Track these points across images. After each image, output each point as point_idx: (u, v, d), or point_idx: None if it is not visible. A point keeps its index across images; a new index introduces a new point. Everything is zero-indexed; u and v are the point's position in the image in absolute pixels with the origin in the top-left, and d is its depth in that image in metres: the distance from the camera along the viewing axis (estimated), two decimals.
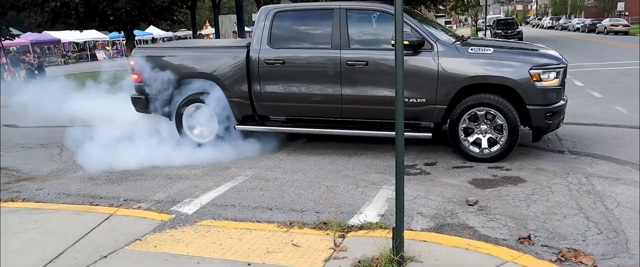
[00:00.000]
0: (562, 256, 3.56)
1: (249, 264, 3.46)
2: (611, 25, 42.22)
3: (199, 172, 6.02)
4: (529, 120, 5.93)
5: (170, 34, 52.37)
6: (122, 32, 20.16)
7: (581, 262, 3.47)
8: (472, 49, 5.97)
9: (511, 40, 8.98)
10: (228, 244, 3.82)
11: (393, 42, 5.71)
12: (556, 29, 61.69)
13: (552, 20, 69.89)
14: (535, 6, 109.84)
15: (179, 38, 44.47)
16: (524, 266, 3.32)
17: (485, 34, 33.77)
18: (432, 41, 5.95)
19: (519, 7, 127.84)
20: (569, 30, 54.80)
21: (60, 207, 4.96)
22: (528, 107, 5.82)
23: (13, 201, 5.25)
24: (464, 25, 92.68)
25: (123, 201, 5.12)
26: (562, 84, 6.04)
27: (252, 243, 3.83)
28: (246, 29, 24.23)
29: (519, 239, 3.88)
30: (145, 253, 3.74)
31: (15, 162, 6.99)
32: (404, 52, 5.85)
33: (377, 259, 3.37)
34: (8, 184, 6.02)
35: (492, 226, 4.15)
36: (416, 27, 6.00)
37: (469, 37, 7.37)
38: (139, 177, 5.96)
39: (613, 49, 25.04)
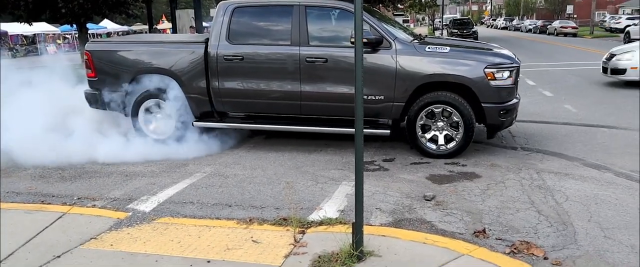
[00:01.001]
0: (515, 249, 3.68)
1: (209, 262, 3.43)
2: (561, 27, 43.78)
3: (156, 169, 5.92)
4: (484, 118, 6.08)
5: (125, 28, 51.16)
6: (74, 25, 19.55)
7: (533, 254, 3.59)
8: (429, 48, 6.08)
9: (467, 40, 9.18)
10: (187, 242, 3.78)
11: (352, 39, 5.79)
12: (509, 30, 63.45)
13: (506, 21, 71.87)
14: (490, 7, 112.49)
15: (135, 32, 43.47)
16: (479, 259, 3.41)
17: (441, 33, 34.41)
18: (390, 39, 6.03)
19: (475, 7, 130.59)
20: (522, 31, 56.47)
21: (10, 206, 4.77)
22: (483, 104, 5.96)
23: None
24: (421, 24, 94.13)
25: (77, 199, 4.98)
26: (515, 83, 6.22)
27: (212, 240, 3.79)
28: (204, 24, 23.90)
29: (475, 232, 3.98)
30: (101, 252, 3.66)
31: None
32: (363, 49, 5.93)
33: (337, 254, 3.40)
34: None
35: (448, 221, 4.25)
36: (375, 25, 6.06)
37: (426, 35, 7.49)
38: (93, 174, 5.81)
39: (563, 49, 25.96)
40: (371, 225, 4.09)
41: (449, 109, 6.02)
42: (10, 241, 3.85)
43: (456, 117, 6.02)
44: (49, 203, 4.84)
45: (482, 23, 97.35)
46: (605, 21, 49.76)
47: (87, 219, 4.33)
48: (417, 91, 6.05)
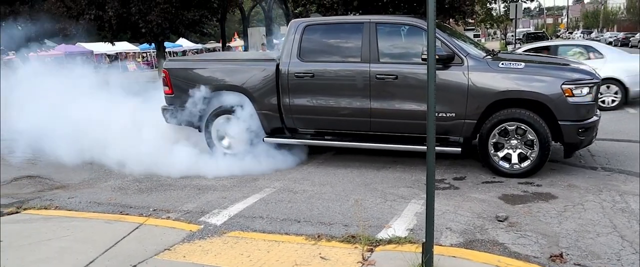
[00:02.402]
0: None
1: None
2: None
3: (228, 183, 6.07)
4: (561, 136, 5.82)
5: (199, 46, 53.14)
6: (152, 44, 20.56)
7: None
8: (502, 64, 5.92)
9: (543, 55, 8.86)
10: (256, 256, 3.84)
11: (424, 56, 5.76)
12: None
13: (584, 34, 68.76)
14: (566, 19, 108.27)
15: (208, 50, 45.05)
16: None
17: (514, 48, 33.39)
18: (462, 55, 5.92)
19: (549, 20, 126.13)
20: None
21: (92, 215, 5.05)
22: (560, 122, 5.72)
23: (46, 208, 5.37)
24: (493, 38, 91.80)
25: (152, 210, 5.19)
26: (595, 99, 5.93)
27: (280, 255, 3.83)
28: (275, 41, 24.46)
29: (551, 256, 3.81)
30: (174, 263, 3.78)
31: (48, 171, 7.14)
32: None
33: None
34: (41, 191, 6.16)
35: (522, 243, 4.08)
36: (446, 41, 5.98)
37: (499, 51, 7.29)
38: (168, 187, 6.03)
39: None
40: (441, 245, 4.00)
41: (523, 126, 5.81)
42: (92, 249, 4.06)
43: (531, 135, 5.80)
44: (127, 214, 5.07)
45: (557, 36, 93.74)
46: None
47: (161, 230, 4.50)
48: (490, 108, 5.88)
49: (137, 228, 4.54)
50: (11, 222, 4.84)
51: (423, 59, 5.71)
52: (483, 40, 74.95)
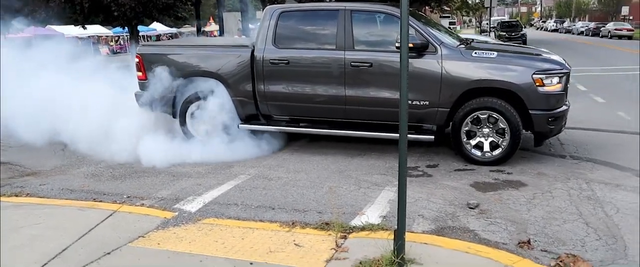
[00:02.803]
0: (561, 262, 3.59)
1: (251, 264, 3.50)
2: (615, 29, 42.32)
3: (202, 170, 6.06)
4: (532, 125, 5.94)
5: (174, 30, 52.37)
6: (126, 28, 20.21)
7: None
8: (475, 53, 5.99)
9: (514, 44, 8.98)
10: (231, 243, 3.86)
11: (398, 44, 5.77)
12: (560, 32, 61.63)
13: (557, 23, 69.76)
14: (539, 9, 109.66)
15: (182, 35, 44.47)
16: None
17: (489, 36, 33.77)
18: (436, 44, 5.98)
19: (524, 9, 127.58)
20: (573, 34, 54.75)
21: (64, 203, 5.00)
22: (530, 111, 5.83)
23: (17, 195, 5.29)
24: (468, 26, 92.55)
25: (126, 197, 5.16)
26: (565, 89, 6.06)
27: (255, 242, 3.86)
28: (250, 26, 24.26)
29: (519, 243, 3.91)
30: (149, 250, 3.78)
31: (19, 157, 7.02)
32: (409, 54, 5.89)
33: (378, 260, 3.40)
34: (12, 178, 6.06)
35: (492, 230, 4.18)
36: (420, 30, 6.02)
37: (472, 40, 7.38)
38: (142, 174, 6.00)
39: (617, 53, 25.04)
40: (413, 232, 4.07)
41: (495, 115, 5.92)
42: (65, 237, 4.03)
43: (502, 124, 5.91)
44: (101, 201, 5.03)
45: (531, 25, 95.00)
46: None
47: (135, 217, 4.49)
48: (463, 97, 5.97)
49: (110, 215, 4.51)
50: None
51: (397, 47, 5.72)
52: (459, 27, 75.58)
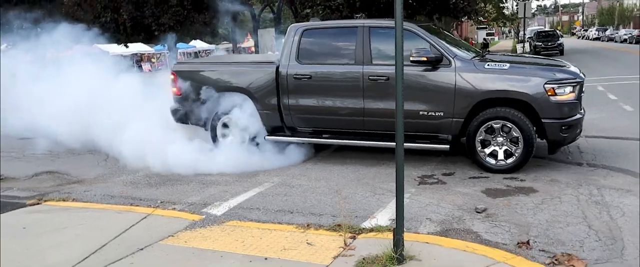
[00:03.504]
0: (556, 260, 3.82)
1: (266, 259, 3.87)
2: None
3: (230, 178, 6.49)
4: (545, 134, 6.14)
5: (212, 46, 53.79)
6: (165, 45, 21.13)
7: (573, 266, 3.73)
8: (488, 65, 6.25)
9: (529, 56, 9.10)
10: (249, 242, 4.24)
11: (412, 58, 6.12)
12: (602, 40, 60.27)
13: (599, 31, 68.21)
14: (581, 17, 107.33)
15: (210, 52, 45.68)
16: (515, 266, 3.60)
17: (523, 47, 33.47)
18: (450, 57, 6.26)
19: (565, 17, 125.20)
20: (616, 42, 53.46)
21: (105, 207, 5.51)
22: (543, 120, 6.03)
23: (64, 200, 5.83)
24: (507, 36, 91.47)
25: (160, 202, 5.62)
26: (578, 98, 6.22)
27: (271, 241, 4.24)
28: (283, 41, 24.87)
29: (518, 243, 4.15)
30: (176, 247, 4.21)
31: (66, 167, 7.63)
32: (424, 68, 6.25)
33: (380, 256, 3.72)
34: (60, 185, 6.63)
35: (495, 232, 4.43)
36: (434, 44, 6.32)
37: (487, 52, 7.62)
38: (176, 181, 6.47)
39: None
40: (419, 233, 4.37)
41: (508, 124, 6.13)
42: (104, 235, 4.50)
43: (516, 133, 6.12)
44: (137, 205, 5.52)
45: (573, 34, 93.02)
46: None
47: (167, 220, 4.94)
48: (477, 107, 6.22)
49: (145, 218, 4.98)
50: (33, 212, 5.34)
51: (411, 61, 6.08)
52: (496, 38, 74.78)
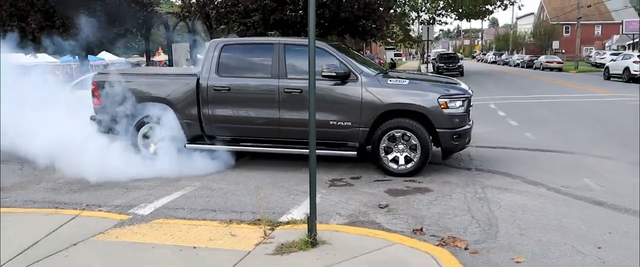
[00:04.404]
0: (443, 241, 4.57)
1: (195, 248, 4.31)
2: (546, 61, 45.31)
3: (153, 183, 6.79)
4: (438, 141, 7.00)
5: (122, 59, 52.36)
6: (76, 57, 20.62)
7: (457, 246, 4.48)
8: (390, 81, 7.05)
9: (427, 74, 10.16)
10: (178, 235, 4.65)
11: (324, 73, 6.78)
12: (498, 64, 65.11)
13: (495, 55, 73.62)
14: (481, 41, 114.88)
15: (131, 64, 44.55)
16: (409, 246, 4.30)
17: (427, 67, 35.70)
18: (357, 73, 6.99)
19: (467, 41, 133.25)
20: (510, 66, 58.02)
21: (30, 210, 5.66)
22: (437, 130, 6.88)
23: None
24: (413, 57, 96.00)
25: (85, 205, 5.85)
26: (467, 111, 7.14)
27: (197, 234, 4.67)
28: (199, 56, 25.03)
29: (413, 230, 4.88)
30: (109, 242, 4.53)
31: None
32: (334, 82, 6.92)
33: (296, 242, 4.28)
34: None
35: (394, 223, 5.14)
36: (343, 61, 7.03)
37: (389, 69, 8.48)
38: (98, 187, 6.67)
39: (543, 84, 27.11)
40: (329, 224, 4.98)
41: (408, 133, 6.93)
42: (35, 234, 4.71)
43: (414, 141, 6.92)
44: (63, 208, 5.71)
45: (473, 57, 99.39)
46: (591, 56, 51.32)
47: (95, 220, 5.21)
48: (380, 118, 6.96)
49: (73, 218, 5.21)
50: None
51: (323, 76, 6.75)
52: (404, 59, 78.41)
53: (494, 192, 6.20)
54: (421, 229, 4.90)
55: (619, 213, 5.31)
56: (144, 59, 43.89)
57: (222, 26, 16.21)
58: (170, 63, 22.37)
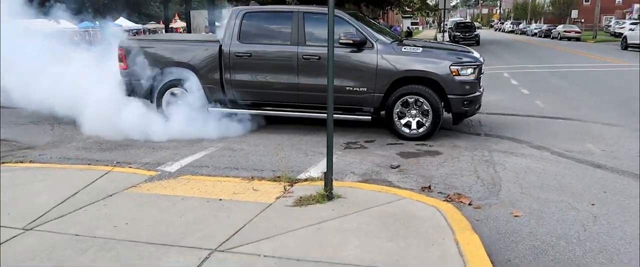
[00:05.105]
0: (448, 197, 4.93)
1: (221, 200, 4.72)
2: (564, 31, 44.79)
3: (178, 144, 7.20)
4: (450, 107, 7.30)
5: (139, 26, 52.71)
6: (96, 23, 21.00)
7: (461, 202, 4.84)
8: (405, 48, 7.33)
9: (441, 43, 10.37)
10: (204, 189, 5.06)
11: (341, 40, 7.07)
12: (516, 33, 64.41)
13: (513, 24, 72.72)
14: (499, 10, 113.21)
15: (149, 31, 44.94)
16: (417, 200, 4.67)
17: (443, 36, 35.58)
18: (373, 41, 7.27)
19: (485, 10, 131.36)
20: (527, 35, 57.41)
21: (64, 166, 6.10)
22: (448, 96, 7.18)
23: (22, 162, 6.34)
24: (430, 26, 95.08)
25: (116, 163, 6.28)
26: (478, 78, 7.40)
27: (222, 189, 5.07)
28: (217, 24, 25.24)
29: (422, 188, 5.25)
30: (141, 194, 4.96)
31: (12, 135, 8.02)
32: (350, 49, 7.21)
33: (314, 195, 4.66)
34: (12, 151, 7.08)
35: (405, 181, 5.51)
36: (360, 29, 7.31)
37: (405, 37, 8.73)
38: (127, 146, 7.11)
39: (559, 53, 27.02)
40: (344, 182, 5.36)
41: (421, 100, 7.24)
42: (72, 186, 5.14)
43: (426, 107, 7.24)
44: (95, 165, 6.15)
45: (491, 26, 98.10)
46: (611, 26, 50.54)
47: (126, 175, 5.64)
48: (395, 84, 7.26)
49: (106, 174, 5.64)
50: None
51: (340, 43, 7.04)
52: (420, 28, 77.71)
53: (500, 156, 6.52)
54: (429, 187, 5.27)
55: (616, 175, 5.63)
56: (162, 25, 44.28)
57: None
58: (188, 30, 22.64)
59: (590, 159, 6.27)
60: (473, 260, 3.48)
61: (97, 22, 20.98)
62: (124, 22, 48.24)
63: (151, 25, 51.84)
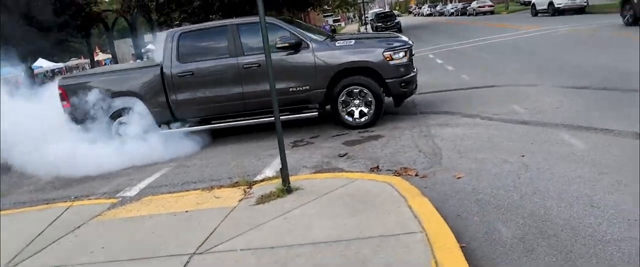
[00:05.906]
0: (396, 173, 5.37)
1: (187, 211, 4.95)
2: (478, 7, 46.89)
3: (131, 170, 7.32)
4: (389, 91, 7.75)
5: (60, 65, 50.96)
6: (18, 67, 20.38)
7: (408, 174, 5.29)
8: (338, 43, 7.75)
9: (371, 33, 10.92)
10: (168, 205, 5.27)
11: (278, 45, 7.38)
12: (434, 16, 66.69)
13: (430, 7, 75.23)
14: None
15: (71, 68, 43.66)
16: (369, 179, 5.08)
17: (366, 28, 36.54)
18: (307, 41, 7.64)
19: None
20: (445, 16, 59.59)
21: (23, 210, 6.12)
22: (386, 80, 7.62)
23: None
24: (352, 21, 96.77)
25: (74, 197, 6.34)
26: (410, 60, 7.88)
27: (186, 202, 5.30)
28: (142, 50, 25.00)
29: (371, 169, 5.66)
30: (108, 220, 5.11)
31: None
32: (287, 52, 7.53)
33: (274, 192, 4.98)
34: None
35: (354, 166, 5.91)
36: (293, 31, 7.67)
37: (336, 33, 9.18)
38: (81, 181, 7.14)
39: (476, 28, 28.40)
40: (299, 175, 5.71)
41: (365, 90, 7.60)
42: (36, 226, 5.20)
43: (370, 98, 7.61)
44: (54, 203, 6.20)
45: (410, 12, 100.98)
46: None
47: (88, 207, 5.74)
48: (336, 77, 7.62)
49: (67, 209, 5.73)
50: None
51: (277, 48, 7.37)
52: (343, 24, 79.02)
53: (437, 129, 7.05)
54: (377, 167, 5.69)
55: (539, 127, 6.27)
56: (83, 60, 43.12)
57: (163, 17, 16.40)
58: (115, 60, 22.31)
59: (516, 118, 6.90)
60: (427, 219, 3.91)
61: (18, 66, 20.38)
62: (43, 63, 46.75)
63: (73, 62, 50.38)
